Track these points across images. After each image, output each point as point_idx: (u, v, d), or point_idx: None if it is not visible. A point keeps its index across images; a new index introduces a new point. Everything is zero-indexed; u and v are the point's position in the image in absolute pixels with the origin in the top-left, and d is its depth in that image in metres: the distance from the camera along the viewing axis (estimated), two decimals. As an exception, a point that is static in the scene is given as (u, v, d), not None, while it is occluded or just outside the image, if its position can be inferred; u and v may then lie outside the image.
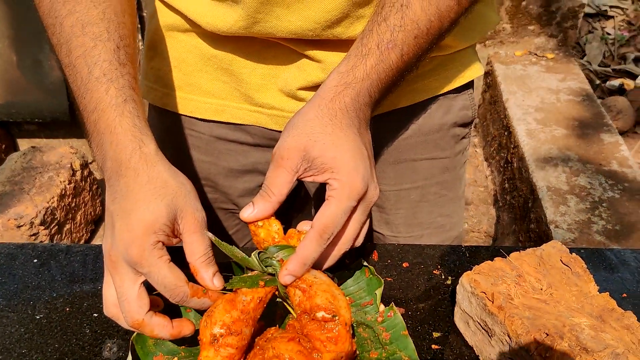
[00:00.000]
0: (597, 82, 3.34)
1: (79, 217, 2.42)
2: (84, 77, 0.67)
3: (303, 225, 0.73)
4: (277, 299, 0.74)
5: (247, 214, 0.69)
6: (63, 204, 2.30)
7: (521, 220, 2.08)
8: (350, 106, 0.69)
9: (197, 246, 0.65)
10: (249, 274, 0.67)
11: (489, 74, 2.86)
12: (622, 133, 2.88)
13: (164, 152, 0.68)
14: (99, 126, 0.66)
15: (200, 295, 0.65)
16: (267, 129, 0.92)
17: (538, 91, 2.53)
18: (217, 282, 0.66)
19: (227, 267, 0.75)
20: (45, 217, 2.17)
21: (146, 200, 0.62)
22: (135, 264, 0.61)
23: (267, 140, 0.94)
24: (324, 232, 0.66)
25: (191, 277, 0.65)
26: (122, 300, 0.63)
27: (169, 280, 0.62)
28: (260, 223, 0.70)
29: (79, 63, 0.68)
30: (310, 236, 0.66)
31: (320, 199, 0.72)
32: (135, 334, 0.69)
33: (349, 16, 0.78)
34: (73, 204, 2.37)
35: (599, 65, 3.49)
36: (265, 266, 0.68)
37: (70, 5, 0.69)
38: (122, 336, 0.73)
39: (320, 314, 0.62)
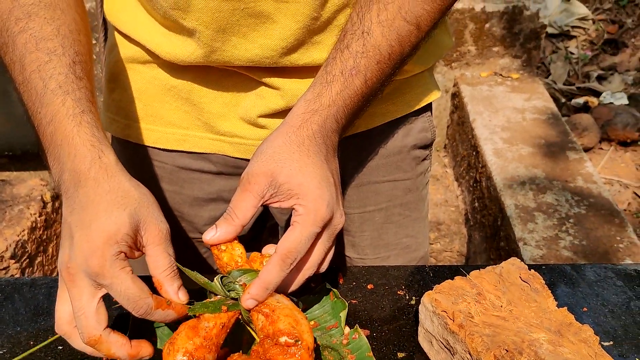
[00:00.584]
0: (563, 100, 3.42)
1: (50, 249, 2.39)
2: (39, 91, 0.66)
3: (267, 249, 0.74)
4: (243, 324, 0.75)
5: (209, 236, 0.69)
6: (34, 236, 2.27)
7: (492, 239, 2.11)
8: (317, 133, 0.71)
9: (161, 259, 0.64)
10: (212, 300, 0.68)
11: (456, 95, 2.92)
12: (588, 150, 2.95)
13: None
14: (56, 138, 0.65)
15: (164, 307, 0.63)
16: (230, 156, 0.92)
17: (504, 111, 2.58)
18: (182, 296, 0.66)
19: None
20: (16, 250, 2.14)
21: (107, 210, 0.61)
22: (96, 275, 0.60)
23: (230, 168, 0.95)
24: (287, 257, 0.66)
25: (154, 290, 0.65)
26: (79, 315, 0.61)
27: (132, 292, 0.61)
28: (223, 247, 0.70)
29: (33, 78, 0.67)
30: (273, 261, 0.67)
31: (288, 226, 0.73)
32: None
33: (304, 43, 0.79)
34: (44, 236, 2.35)
35: (564, 84, 3.58)
36: (228, 290, 0.68)
37: (23, 23, 0.68)
38: (86, 369, 0.72)
39: (283, 339, 0.62)
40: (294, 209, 0.68)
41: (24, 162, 2.73)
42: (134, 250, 0.64)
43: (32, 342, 0.76)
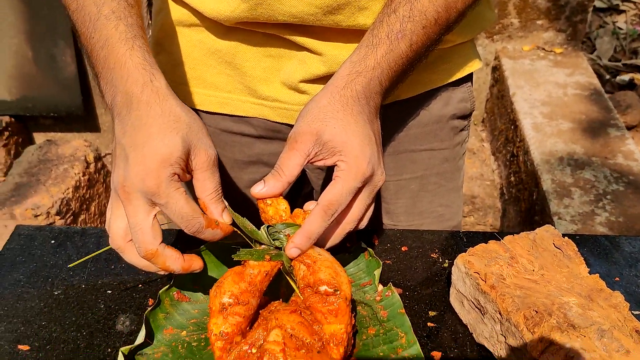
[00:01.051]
0: (607, 76, 3.35)
1: (92, 208, 2.47)
2: (93, 16, 0.69)
3: (309, 205, 0.76)
4: (283, 277, 0.78)
5: (257, 190, 0.72)
6: (78, 195, 2.35)
7: (526, 213, 2.11)
8: (361, 94, 0.73)
9: (209, 183, 0.68)
10: (257, 249, 0.71)
11: (496, 69, 2.88)
12: (631, 127, 2.90)
13: None
14: (109, 62, 0.67)
15: (213, 227, 0.67)
16: (270, 121, 0.95)
17: (545, 85, 2.55)
18: (226, 217, 0.69)
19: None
20: (61, 207, 2.22)
21: (161, 132, 0.64)
22: (152, 194, 0.62)
23: (270, 132, 0.97)
24: (329, 208, 0.69)
25: None
26: (136, 230, 0.64)
27: (185, 211, 0.64)
28: (269, 201, 0.73)
29: (87, 4, 0.69)
30: (315, 212, 0.69)
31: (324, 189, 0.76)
32: (149, 309, 0.73)
33: (350, 4, 0.81)
34: (87, 195, 2.43)
35: (610, 60, 3.49)
36: (273, 239, 0.71)
37: None
38: (134, 311, 0.77)
39: (322, 288, 0.65)
40: (336, 164, 0.71)
41: (68, 124, 2.81)
42: (185, 173, 0.66)
43: (83, 286, 0.80)
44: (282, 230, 0.71)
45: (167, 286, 0.77)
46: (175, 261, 0.67)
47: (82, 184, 2.39)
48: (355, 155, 0.70)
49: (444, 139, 1.03)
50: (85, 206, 2.42)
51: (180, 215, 0.64)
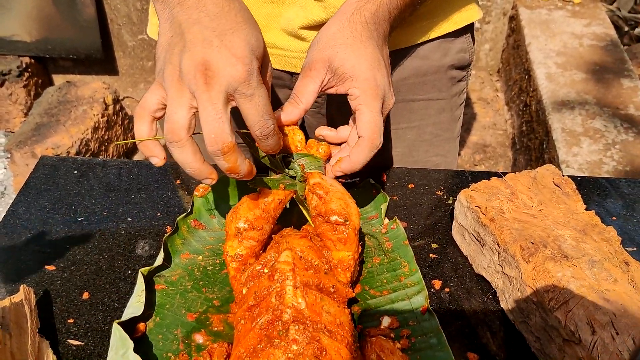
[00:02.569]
0: (626, 29, 3.30)
1: (111, 150, 2.52)
2: None
3: (321, 130, 0.79)
4: (295, 209, 0.82)
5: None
6: (96, 136, 2.40)
7: (536, 162, 2.13)
8: (370, 20, 0.75)
9: (269, 94, 0.68)
10: (272, 177, 0.75)
11: (513, 19, 2.86)
12: (646, 80, 2.87)
13: None
14: None
15: (280, 134, 0.68)
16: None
17: (561, 36, 2.53)
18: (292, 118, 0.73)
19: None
20: (80, 147, 2.27)
21: (246, 23, 0.62)
22: (241, 82, 0.60)
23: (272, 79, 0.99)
24: (375, 139, 0.71)
25: None
26: (215, 119, 0.60)
27: (268, 108, 0.63)
28: (285, 131, 0.76)
29: None
30: (363, 145, 0.71)
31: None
32: (168, 234, 0.78)
33: None
34: (106, 137, 2.48)
35: (629, 12, 3.43)
36: (289, 168, 0.75)
37: None
38: (153, 237, 0.81)
39: (333, 218, 0.69)
40: (349, 93, 0.73)
41: (87, 66, 2.84)
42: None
43: (105, 213, 0.85)
44: (297, 160, 0.74)
45: (184, 214, 0.82)
46: (244, 161, 0.64)
47: (101, 125, 2.43)
48: (366, 78, 0.71)
49: (442, 89, 1.04)
50: (103, 147, 2.47)
51: (261, 112, 0.62)
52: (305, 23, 0.89)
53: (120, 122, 2.59)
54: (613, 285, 0.66)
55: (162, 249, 0.76)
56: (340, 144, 0.79)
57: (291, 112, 0.74)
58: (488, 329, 0.72)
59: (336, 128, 0.79)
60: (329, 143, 0.79)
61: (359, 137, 0.72)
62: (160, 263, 0.75)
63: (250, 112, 0.62)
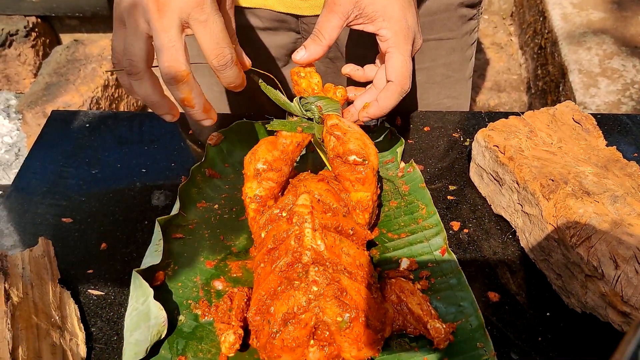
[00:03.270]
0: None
1: (122, 107, 2.52)
2: None
3: (347, 68, 0.77)
4: (310, 156, 0.81)
5: (299, 56, 0.72)
6: (107, 94, 2.39)
7: (552, 105, 2.09)
8: None
9: (233, 25, 0.67)
10: (290, 120, 0.74)
11: (527, -42, 2.77)
12: (665, 18, 2.79)
13: None
14: None
15: (238, 65, 0.66)
16: (275, 11, 0.94)
17: (577, -26, 2.45)
18: (247, 61, 0.70)
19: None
20: (91, 105, 2.26)
21: None
22: (194, 7, 0.59)
23: (276, 22, 0.96)
24: (404, 84, 0.70)
25: None
26: (168, 47, 0.60)
27: (223, 35, 0.62)
28: (302, 74, 0.74)
29: None
30: (392, 90, 0.70)
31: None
32: (183, 183, 0.77)
33: None
34: (116, 95, 2.46)
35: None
36: (305, 110, 0.74)
37: None
38: (167, 187, 0.81)
39: (352, 158, 0.68)
40: (379, 34, 0.70)
41: (94, 24, 2.80)
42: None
43: (118, 165, 0.85)
44: (314, 103, 0.73)
45: (198, 163, 0.81)
46: (199, 95, 0.64)
47: (111, 83, 2.42)
48: (398, 19, 0.69)
49: (452, 28, 1.01)
50: (114, 105, 2.46)
51: (216, 38, 0.61)
52: None
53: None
54: (636, 220, 0.65)
55: (177, 198, 0.76)
56: (365, 84, 0.77)
57: (315, 50, 0.71)
58: (508, 269, 0.72)
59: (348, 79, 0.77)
60: (355, 81, 0.77)
61: (388, 81, 0.70)
62: (176, 212, 0.74)
63: (204, 38, 0.61)
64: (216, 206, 0.78)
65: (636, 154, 0.86)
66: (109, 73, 2.40)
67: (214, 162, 0.83)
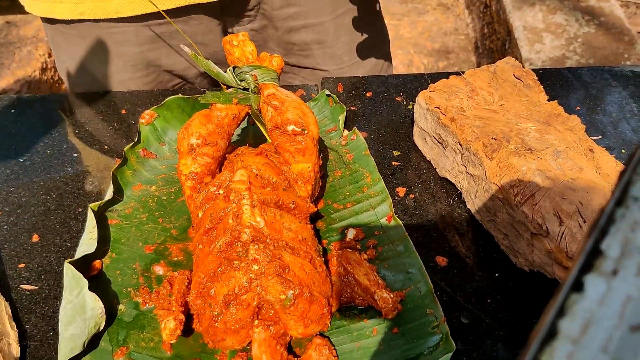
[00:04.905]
0: None
1: (64, 89, 2.42)
2: None
3: None
4: (250, 129, 0.78)
5: None
6: (46, 77, 2.29)
7: (499, 64, 2.10)
8: None
9: None
10: (224, 91, 0.70)
11: None
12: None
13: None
14: None
15: None
16: None
17: None
18: None
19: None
20: (30, 89, 2.17)
21: None
22: None
23: None
24: None
25: None
26: None
27: None
28: (235, 42, 0.71)
29: None
30: None
31: None
32: (116, 166, 0.73)
33: None
34: (56, 77, 2.37)
35: None
36: (240, 80, 0.70)
37: None
38: (102, 171, 0.77)
39: (290, 128, 0.65)
40: None
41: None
42: None
43: (48, 151, 0.80)
44: (249, 72, 0.70)
45: (131, 143, 0.77)
46: None
47: (49, 66, 2.32)
48: None
49: None
50: (56, 87, 2.37)
51: None
52: None
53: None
54: (579, 174, 0.64)
55: (111, 182, 0.72)
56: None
57: None
58: (456, 232, 0.71)
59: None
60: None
61: None
62: (110, 197, 0.71)
63: None
64: (153, 188, 0.75)
65: (578, 107, 0.86)
66: (47, 55, 2.30)
67: (149, 141, 0.79)
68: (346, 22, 1.02)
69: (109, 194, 0.71)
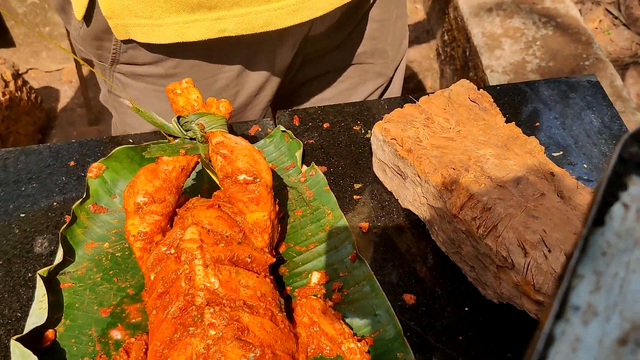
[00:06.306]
0: None
1: (22, 129, 2.36)
2: None
3: None
4: (205, 174, 0.75)
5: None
6: (1, 116, 2.23)
7: (462, 70, 2.09)
8: None
9: None
10: (170, 143, 0.68)
11: None
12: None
13: None
14: None
15: None
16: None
17: None
18: None
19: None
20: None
21: None
22: None
23: None
24: None
25: None
26: None
27: None
28: (178, 91, 0.69)
29: None
30: None
31: None
32: (65, 225, 0.70)
33: None
34: (12, 116, 2.31)
35: None
36: (186, 130, 0.67)
37: None
38: (51, 231, 0.74)
39: (241, 177, 0.62)
40: None
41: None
42: None
43: (-5, 213, 0.77)
44: (195, 121, 0.67)
45: (79, 200, 0.74)
46: None
47: (4, 104, 2.26)
48: None
49: None
50: (12, 127, 2.31)
51: None
52: None
53: (26, 98, 2.42)
54: (541, 200, 0.62)
55: (59, 243, 0.69)
56: None
57: None
58: (423, 265, 0.69)
59: None
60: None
61: None
62: (60, 259, 0.68)
63: None
64: (106, 244, 0.72)
65: (538, 123, 0.85)
66: (0, 95, 2.25)
67: (98, 195, 0.76)
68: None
69: (59, 257, 0.68)
